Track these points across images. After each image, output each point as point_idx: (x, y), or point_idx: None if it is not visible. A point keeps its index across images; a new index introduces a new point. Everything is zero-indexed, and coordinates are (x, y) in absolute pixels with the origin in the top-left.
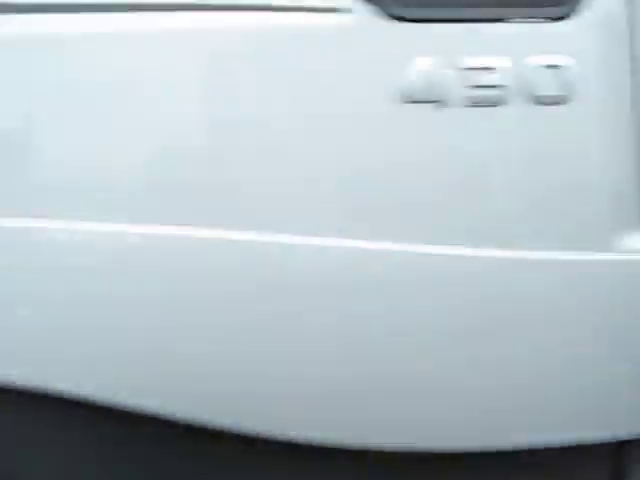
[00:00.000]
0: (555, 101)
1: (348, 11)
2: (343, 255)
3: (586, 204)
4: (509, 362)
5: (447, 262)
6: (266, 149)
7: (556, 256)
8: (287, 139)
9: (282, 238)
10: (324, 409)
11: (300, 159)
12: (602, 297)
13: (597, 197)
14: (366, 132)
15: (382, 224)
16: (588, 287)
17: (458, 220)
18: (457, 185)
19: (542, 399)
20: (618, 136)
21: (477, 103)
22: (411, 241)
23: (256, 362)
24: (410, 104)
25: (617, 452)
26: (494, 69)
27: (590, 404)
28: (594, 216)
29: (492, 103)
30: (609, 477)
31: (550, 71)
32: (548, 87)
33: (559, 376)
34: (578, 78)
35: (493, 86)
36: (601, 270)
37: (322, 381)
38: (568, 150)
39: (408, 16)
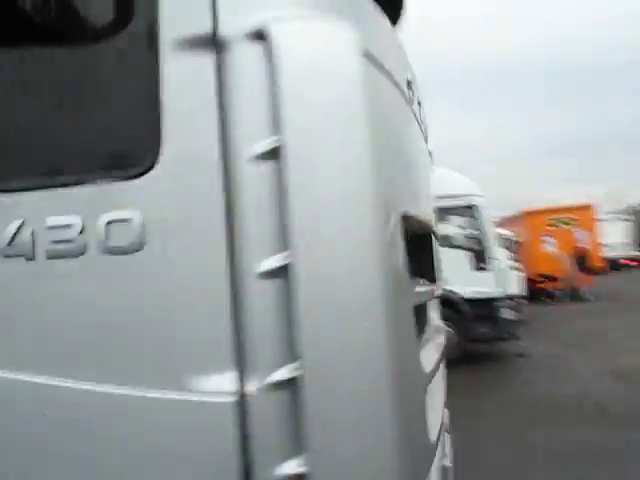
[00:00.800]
0: (126, 250)
1: None
2: None
3: (155, 342)
4: None
5: None
6: None
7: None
8: None
9: None
10: None
11: None
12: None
13: (169, 335)
14: None
15: None
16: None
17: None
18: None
19: None
20: (201, 280)
21: (57, 255)
22: None
23: None
24: (6, 258)
25: None
26: (70, 226)
27: None
28: (169, 355)
29: (70, 255)
30: None
31: (121, 224)
32: (120, 238)
33: None
34: (149, 228)
35: (69, 241)
36: (159, 409)
37: None
38: (140, 292)
39: (4, 188)
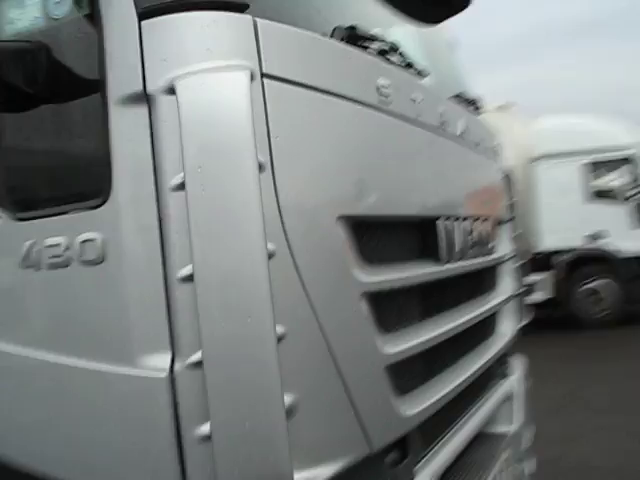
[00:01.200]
0: (94, 262)
1: None
2: None
3: (114, 329)
4: None
5: None
6: None
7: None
8: None
9: None
10: None
11: None
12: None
13: (123, 325)
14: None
15: None
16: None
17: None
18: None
19: None
20: (144, 283)
21: (54, 267)
22: None
23: None
24: (27, 269)
25: None
26: (60, 245)
27: None
28: (122, 339)
29: (61, 266)
30: None
31: (90, 242)
32: (89, 253)
33: None
34: (108, 245)
35: (59, 256)
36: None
37: None
38: (104, 293)
39: (21, 217)
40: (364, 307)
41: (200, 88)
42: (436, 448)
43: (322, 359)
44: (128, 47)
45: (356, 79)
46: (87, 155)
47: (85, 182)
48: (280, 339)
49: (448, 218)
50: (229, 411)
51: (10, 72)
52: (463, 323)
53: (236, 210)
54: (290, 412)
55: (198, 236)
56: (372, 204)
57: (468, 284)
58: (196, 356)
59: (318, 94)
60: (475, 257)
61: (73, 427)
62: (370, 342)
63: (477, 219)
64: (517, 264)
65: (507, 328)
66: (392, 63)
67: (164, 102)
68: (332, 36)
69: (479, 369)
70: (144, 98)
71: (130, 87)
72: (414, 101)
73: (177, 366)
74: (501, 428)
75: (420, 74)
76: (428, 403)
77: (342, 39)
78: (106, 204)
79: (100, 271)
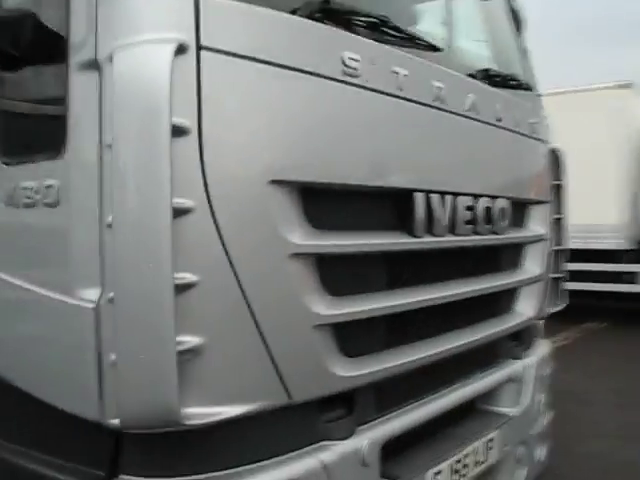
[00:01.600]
0: (52, 205)
1: None
2: None
3: (60, 263)
4: None
5: None
6: None
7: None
8: None
9: None
10: None
11: None
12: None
13: (66, 258)
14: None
15: None
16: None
17: None
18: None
19: None
20: (84, 227)
21: (27, 206)
22: None
23: None
24: (9, 207)
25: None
26: (32, 188)
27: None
28: (66, 272)
29: (31, 206)
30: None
31: (51, 188)
32: (50, 197)
33: None
34: (63, 192)
35: (31, 197)
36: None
37: None
38: (58, 233)
39: (6, 163)
40: (296, 267)
41: (131, 59)
42: (393, 414)
43: (237, 309)
44: (88, 19)
45: (312, 52)
46: (54, 112)
47: (50, 135)
48: (190, 286)
49: (430, 192)
50: (130, 345)
51: None
52: (446, 296)
53: (149, 168)
54: (191, 352)
55: (118, 189)
56: (318, 172)
57: (471, 260)
58: (112, 293)
59: (264, 66)
60: (476, 234)
61: (20, 338)
62: (298, 301)
63: (483, 196)
64: (554, 247)
65: (526, 309)
66: (376, 37)
67: (107, 70)
68: (301, 11)
69: (469, 344)
70: (95, 65)
71: (85, 55)
72: (397, 74)
73: (102, 300)
74: (503, 409)
75: (431, 49)
76: (379, 368)
77: (313, 14)
78: (63, 156)
79: (55, 213)
